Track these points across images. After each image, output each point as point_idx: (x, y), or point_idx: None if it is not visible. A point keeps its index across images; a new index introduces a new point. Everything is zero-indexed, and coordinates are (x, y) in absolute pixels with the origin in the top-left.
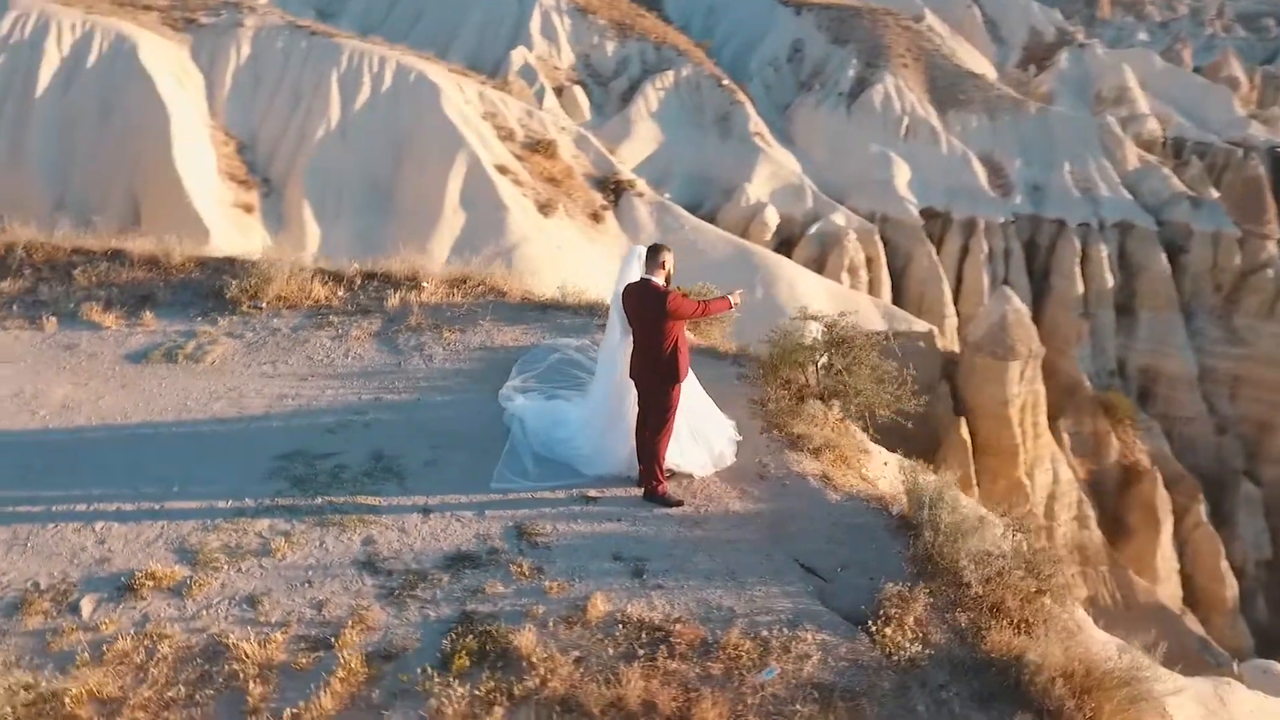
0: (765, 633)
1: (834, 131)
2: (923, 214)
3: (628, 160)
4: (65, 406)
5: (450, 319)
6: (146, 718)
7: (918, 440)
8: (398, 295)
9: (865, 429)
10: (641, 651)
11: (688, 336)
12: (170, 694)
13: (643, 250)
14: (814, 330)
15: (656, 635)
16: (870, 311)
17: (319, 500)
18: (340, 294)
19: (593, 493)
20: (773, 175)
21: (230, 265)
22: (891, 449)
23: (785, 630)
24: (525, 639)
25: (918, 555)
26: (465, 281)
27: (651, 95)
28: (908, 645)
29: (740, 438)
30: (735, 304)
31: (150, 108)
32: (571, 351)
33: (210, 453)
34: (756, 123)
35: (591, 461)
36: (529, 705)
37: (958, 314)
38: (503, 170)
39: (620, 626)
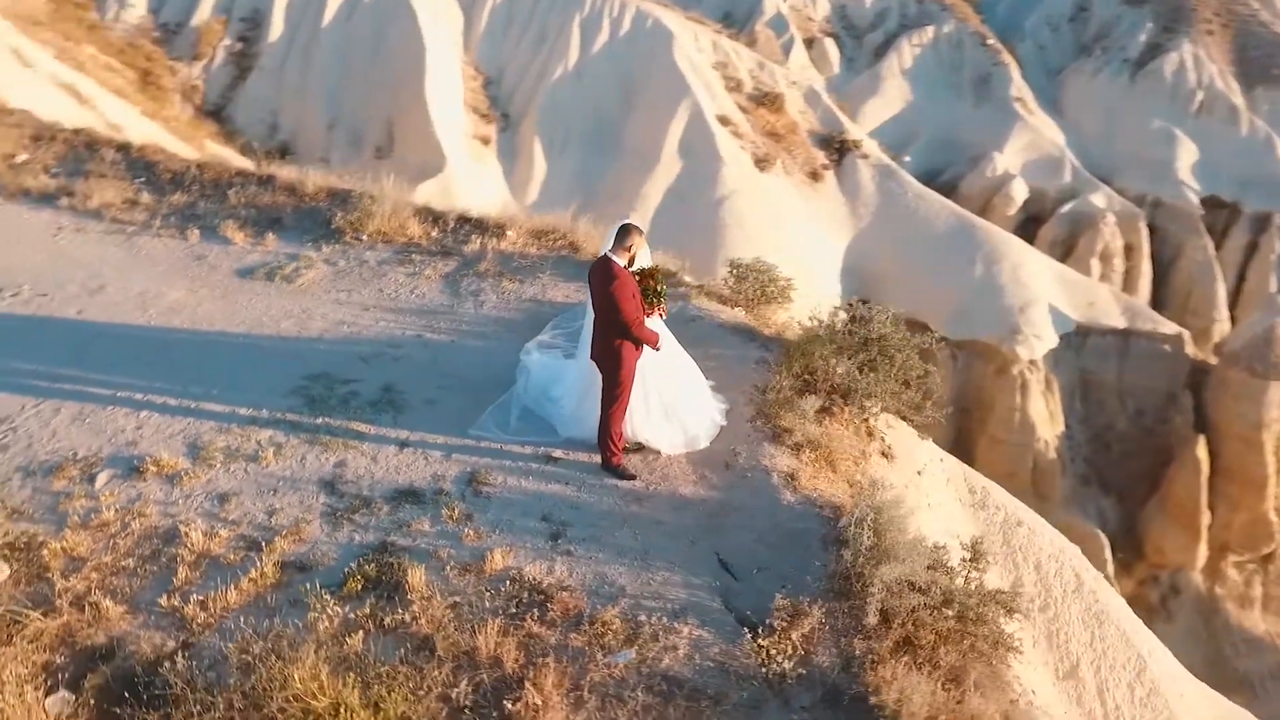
0: (644, 617)
1: (1111, 102)
2: (1204, 203)
3: (871, 119)
4: (171, 309)
5: (516, 269)
6: (97, 578)
7: (1142, 454)
8: (480, 240)
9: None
10: (515, 611)
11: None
12: (123, 563)
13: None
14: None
15: (537, 598)
16: (1108, 304)
17: (319, 420)
18: (433, 234)
19: (558, 454)
20: (1029, 145)
21: (348, 197)
22: (1098, 460)
23: (665, 619)
24: (416, 576)
25: (835, 573)
26: (548, 234)
27: (906, 51)
28: (781, 660)
29: (725, 423)
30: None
31: (411, 41)
32: None
33: (258, 364)
34: (1019, 87)
35: (568, 424)
36: (390, 636)
37: (1232, 319)
38: (724, 121)
39: (509, 583)
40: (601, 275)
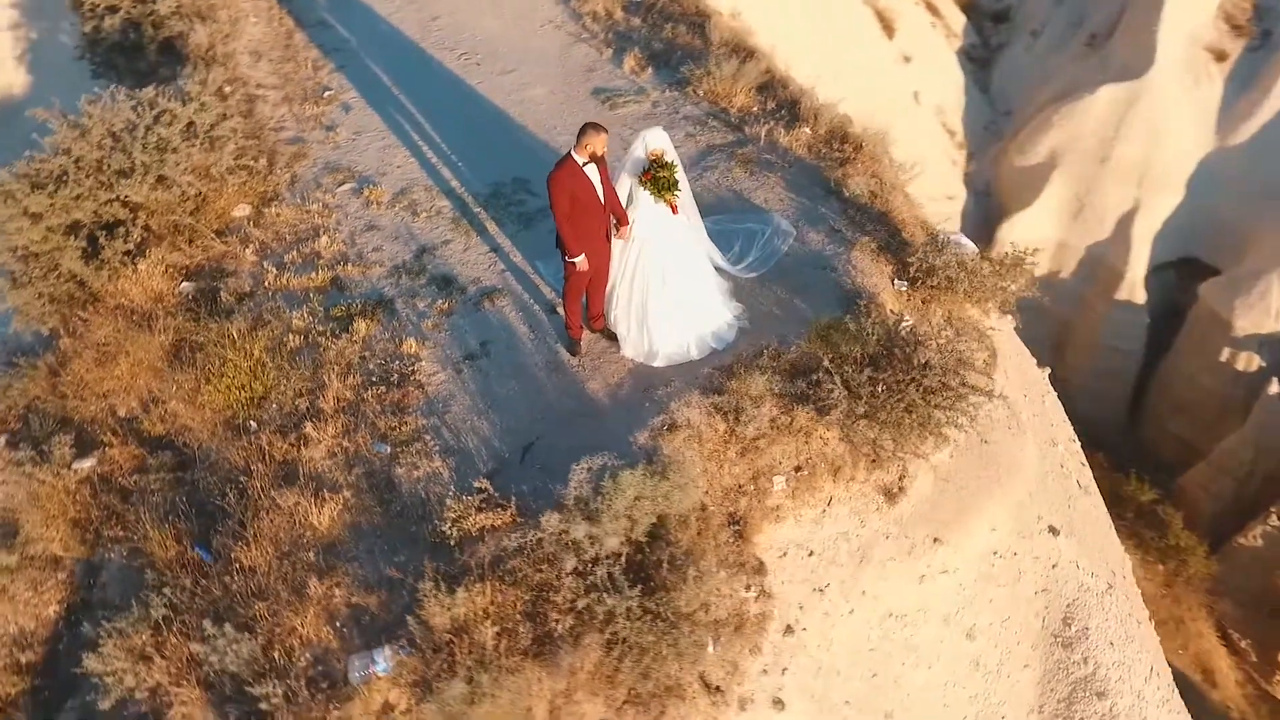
0: (429, 437)
1: None
2: None
3: None
4: (526, 99)
5: (765, 164)
6: (271, 236)
7: None
8: (770, 127)
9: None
10: (382, 378)
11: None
12: (287, 235)
13: (647, 134)
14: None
15: (404, 377)
16: None
17: (478, 210)
18: (753, 109)
19: (559, 309)
20: None
21: (724, 56)
22: None
23: (440, 450)
24: (364, 326)
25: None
26: (835, 143)
27: None
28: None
29: (716, 346)
30: (572, 262)
31: None
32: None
33: (509, 155)
34: None
35: None
36: (313, 349)
37: None
38: None
39: (398, 361)
40: (551, 170)
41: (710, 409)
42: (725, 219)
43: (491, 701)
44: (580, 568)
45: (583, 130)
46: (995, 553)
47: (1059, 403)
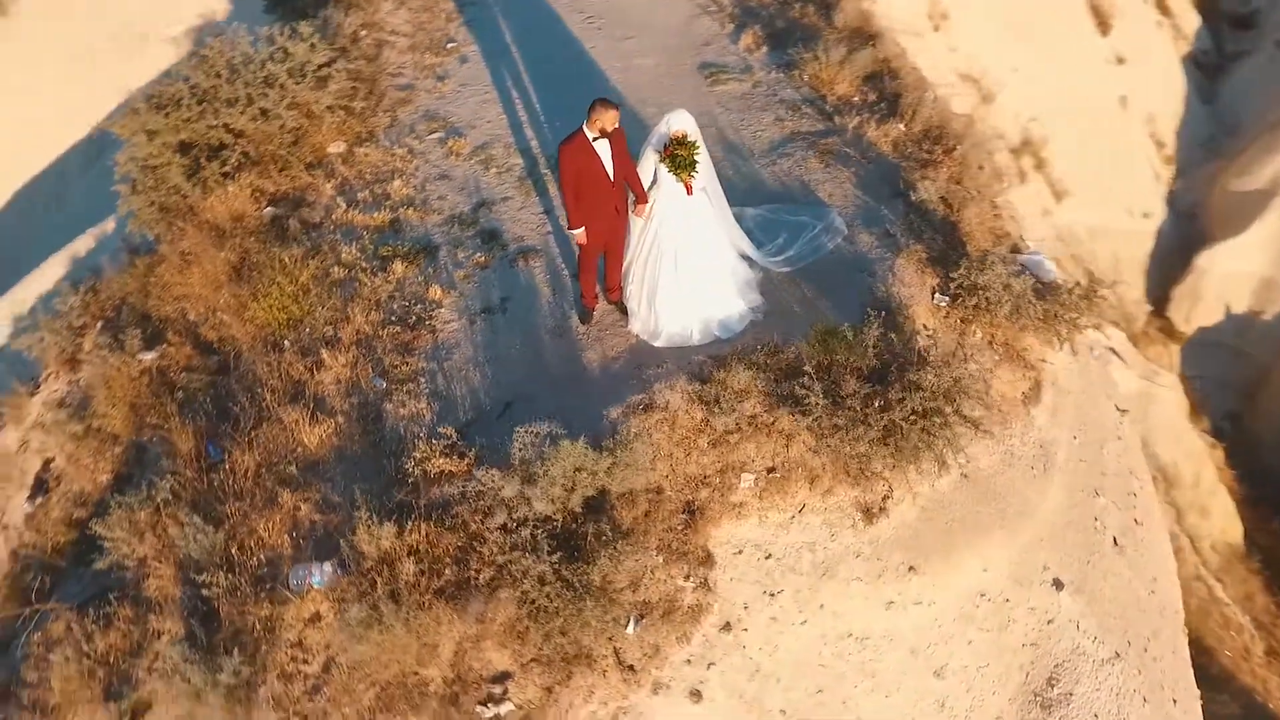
0: (424, 380)
1: None
2: None
3: None
4: (632, 68)
5: (841, 157)
6: (342, 169)
7: None
8: (862, 120)
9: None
10: (408, 319)
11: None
12: (366, 175)
13: (672, 115)
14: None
15: (420, 321)
16: None
17: (544, 171)
18: (853, 99)
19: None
20: None
21: (837, 41)
22: None
23: (429, 394)
24: (401, 267)
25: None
26: (931, 142)
27: None
28: None
29: (720, 335)
30: (572, 233)
31: None
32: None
33: None
34: None
35: None
36: (351, 284)
37: None
38: None
39: (420, 305)
40: (561, 142)
41: (691, 395)
42: (779, 208)
43: (388, 630)
44: (509, 524)
45: (592, 106)
46: (983, 594)
47: (1136, 453)
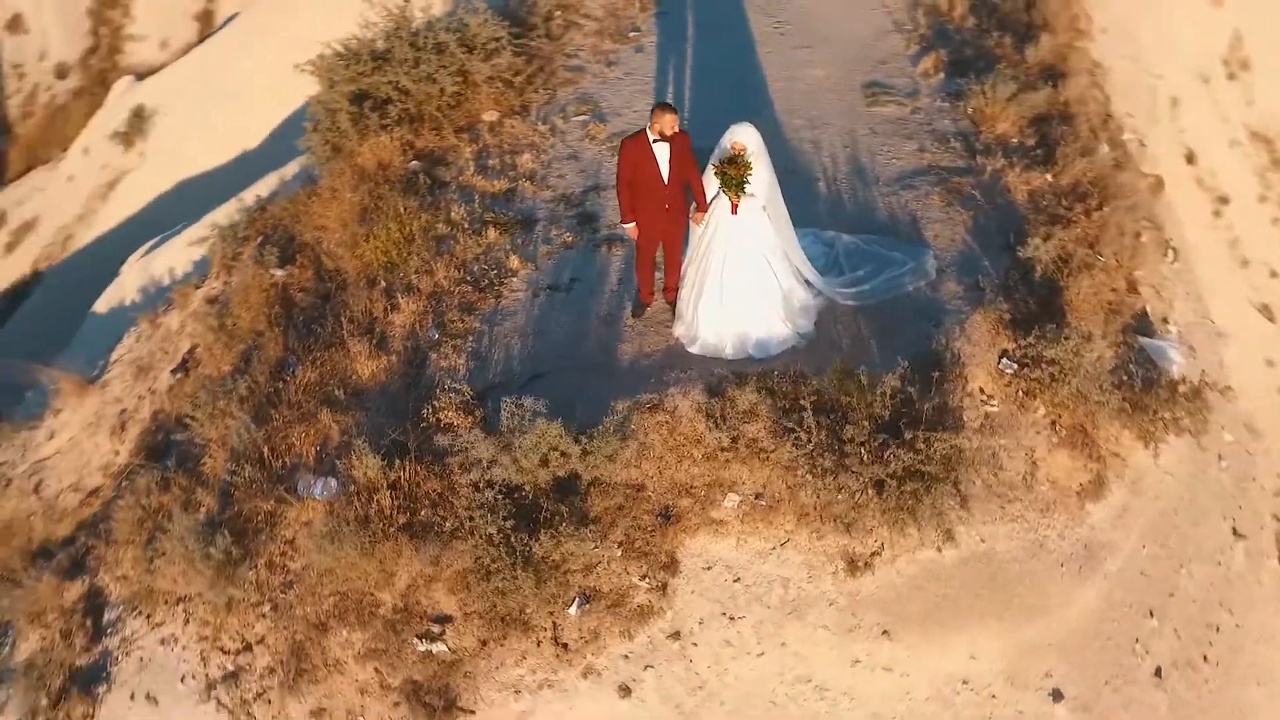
0: (476, 341)
1: None
2: None
3: None
4: (796, 78)
5: (967, 201)
6: (487, 137)
7: None
8: (1008, 164)
9: None
10: (481, 281)
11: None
12: (492, 147)
13: (736, 127)
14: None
15: (491, 286)
16: None
17: None
18: (1010, 139)
19: None
20: None
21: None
22: None
23: (470, 355)
24: (492, 233)
25: None
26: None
27: None
28: None
29: (755, 355)
30: (624, 227)
31: None
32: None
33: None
34: None
35: None
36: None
37: None
38: None
39: (497, 271)
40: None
41: (698, 406)
42: (874, 240)
43: (341, 548)
44: (479, 484)
45: (652, 109)
46: (966, 681)
47: (1244, 585)
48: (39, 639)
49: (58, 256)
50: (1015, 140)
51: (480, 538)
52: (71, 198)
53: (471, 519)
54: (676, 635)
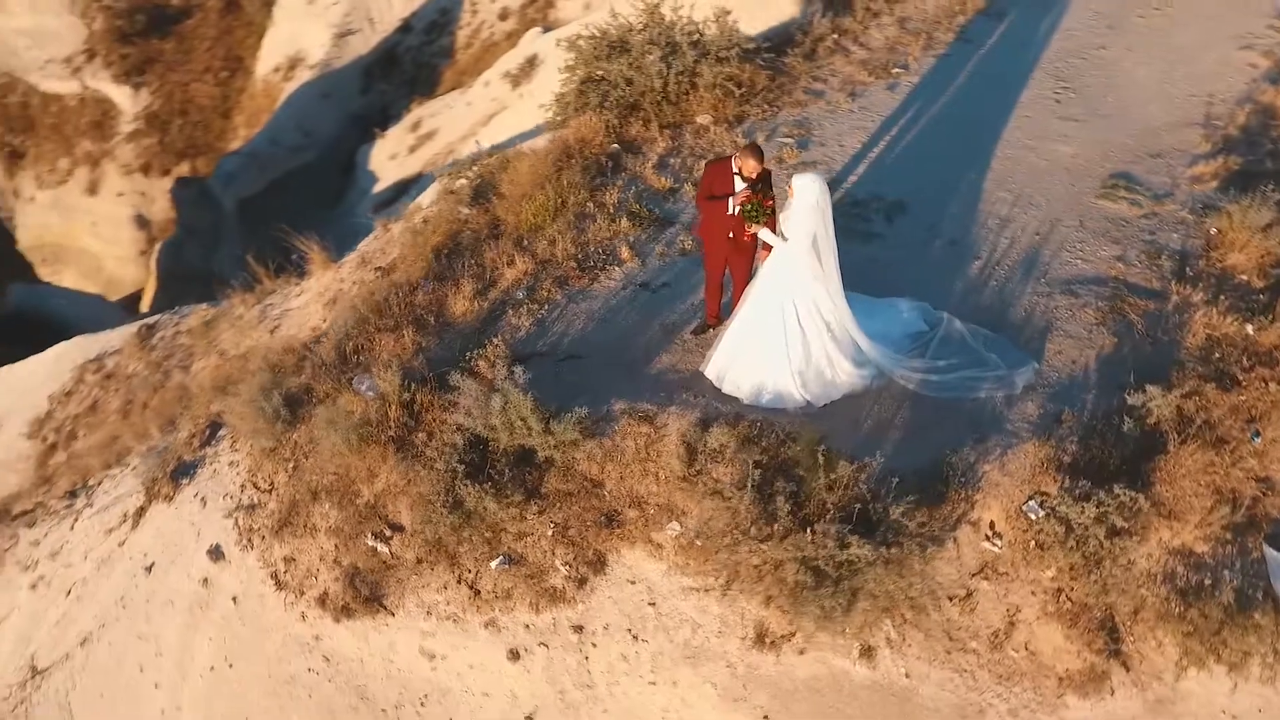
0: (542, 313)
1: None
2: None
3: None
4: (1045, 137)
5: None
6: (688, 139)
7: None
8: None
9: None
10: (587, 263)
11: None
12: (685, 148)
13: (799, 176)
14: None
15: (592, 269)
16: None
17: None
18: (1243, 275)
19: None
20: None
21: None
22: None
23: (533, 322)
24: (623, 222)
25: None
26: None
27: None
28: None
29: (799, 401)
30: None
31: None
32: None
33: (950, 177)
34: None
35: None
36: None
37: None
38: None
39: (608, 259)
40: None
41: (683, 432)
42: (981, 333)
43: (332, 441)
44: (459, 427)
45: (741, 148)
46: None
47: None
48: (186, 433)
49: (440, 164)
50: (1242, 278)
51: (433, 472)
52: (465, 120)
53: (437, 454)
54: (579, 629)
